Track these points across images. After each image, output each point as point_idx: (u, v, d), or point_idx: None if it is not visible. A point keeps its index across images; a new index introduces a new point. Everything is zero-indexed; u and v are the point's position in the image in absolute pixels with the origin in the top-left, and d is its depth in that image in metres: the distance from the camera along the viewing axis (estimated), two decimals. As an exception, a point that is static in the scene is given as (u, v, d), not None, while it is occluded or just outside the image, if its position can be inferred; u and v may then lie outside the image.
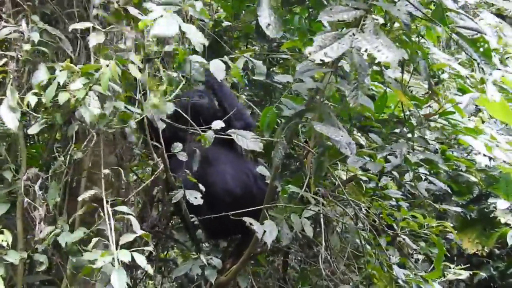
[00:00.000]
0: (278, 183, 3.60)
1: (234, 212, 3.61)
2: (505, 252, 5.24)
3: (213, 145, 3.70)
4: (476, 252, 4.93)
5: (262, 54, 5.02)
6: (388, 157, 3.86)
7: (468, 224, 4.83)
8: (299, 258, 4.45)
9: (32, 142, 4.34)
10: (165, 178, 3.69)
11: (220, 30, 5.03)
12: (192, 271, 3.69)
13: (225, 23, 5.08)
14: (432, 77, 3.86)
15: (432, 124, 4.08)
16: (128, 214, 3.42)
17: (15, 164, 3.72)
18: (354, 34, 2.61)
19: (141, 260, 3.17)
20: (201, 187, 3.61)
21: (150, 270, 3.18)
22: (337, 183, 3.94)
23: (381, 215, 4.13)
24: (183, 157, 3.65)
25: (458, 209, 4.56)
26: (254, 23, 5.01)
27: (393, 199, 4.37)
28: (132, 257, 3.17)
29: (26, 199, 3.54)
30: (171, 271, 5.89)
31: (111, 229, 3.30)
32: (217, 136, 3.62)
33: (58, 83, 3.34)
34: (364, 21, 2.68)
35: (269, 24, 3.09)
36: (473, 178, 4.41)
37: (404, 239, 4.11)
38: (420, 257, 4.55)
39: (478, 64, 3.03)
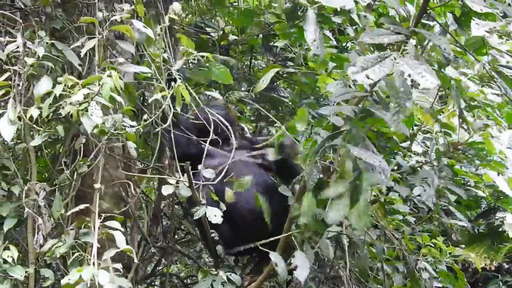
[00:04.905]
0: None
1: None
2: (514, 267, 5.22)
3: (236, 160, 3.74)
4: (484, 267, 4.93)
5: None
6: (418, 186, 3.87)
7: (476, 238, 4.82)
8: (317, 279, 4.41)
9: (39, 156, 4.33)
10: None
11: (227, 44, 5.05)
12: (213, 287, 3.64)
13: (231, 37, 5.10)
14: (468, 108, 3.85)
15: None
16: (115, 229, 3.40)
17: (23, 179, 3.72)
18: (395, 58, 2.61)
19: (104, 278, 3.16)
20: (222, 205, 3.61)
21: None
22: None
23: (402, 239, 4.12)
24: (209, 174, 3.65)
25: (466, 224, 4.55)
26: (260, 36, 5.07)
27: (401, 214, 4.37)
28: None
29: (28, 210, 3.52)
30: (173, 286, 5.89)
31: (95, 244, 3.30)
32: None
33: (56, 95, 3.35)
34: (404, 46, 2.70)
35: (314, 40, 3.10)
36: (481, 193, 4.42)
37: (425, 267, 4.10)
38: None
39: None
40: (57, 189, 3.67)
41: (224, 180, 3.71)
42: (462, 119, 3.63)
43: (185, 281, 5.57)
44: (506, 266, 5.23)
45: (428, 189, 3.77)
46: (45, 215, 3.51)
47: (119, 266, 3.32)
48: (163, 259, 5.12)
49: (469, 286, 4.53)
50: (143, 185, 4.94)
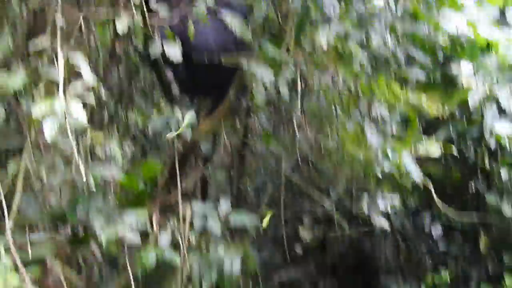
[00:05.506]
0: (257, 44, 3.57)
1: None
2: (466, 115, 5.30)
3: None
4: (437, 116, 5.00)
5: None
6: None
7: (430, 86, 4.88)
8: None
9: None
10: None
11: None
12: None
13: None
14: None
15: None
16: (80, 62, 3.30)
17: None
18: None
19: (77, 108, 3.06)
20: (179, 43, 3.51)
21: (84, 119, 3.08)
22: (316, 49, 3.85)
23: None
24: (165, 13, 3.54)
25: (422, 74, 4.57)
26: None
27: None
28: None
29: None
30: (131, 134, 5.88)
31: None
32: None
33: None
34: None
35: None
36: (440, 41, 4.41)
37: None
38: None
39: None
40: (6, 24, 3.54)
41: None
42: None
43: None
44: (458, 115, 5.30)
45: (378, 25, 3.75)
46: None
47: (89, 96, 3.22)
48: (119, 106, 5.09)
49: (422, 131, 4.62)
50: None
